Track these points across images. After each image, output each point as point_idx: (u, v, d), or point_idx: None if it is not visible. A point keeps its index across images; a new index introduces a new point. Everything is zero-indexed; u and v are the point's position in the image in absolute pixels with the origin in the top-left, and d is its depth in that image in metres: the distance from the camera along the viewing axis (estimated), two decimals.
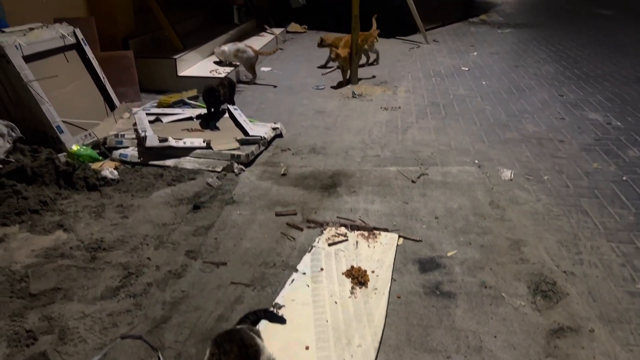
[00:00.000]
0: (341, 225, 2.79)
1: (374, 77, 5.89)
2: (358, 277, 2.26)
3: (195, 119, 4.29)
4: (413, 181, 3.33)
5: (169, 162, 3.53)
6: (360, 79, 5.82)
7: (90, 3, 4.95)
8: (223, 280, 2.35)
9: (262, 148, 3.86)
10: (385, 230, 2.73)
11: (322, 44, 6.51)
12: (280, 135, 4.16)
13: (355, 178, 3.39)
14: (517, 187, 3.29)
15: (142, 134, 3.61)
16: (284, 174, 3.45)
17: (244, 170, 3.51)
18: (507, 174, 3.44)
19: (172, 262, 2.48)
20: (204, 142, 3.66)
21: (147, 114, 4.24)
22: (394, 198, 3.11)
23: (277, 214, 2.91)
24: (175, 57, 5.34)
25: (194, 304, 2.20)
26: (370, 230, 2.71)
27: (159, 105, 4.74)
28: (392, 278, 2.32)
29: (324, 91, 5.53)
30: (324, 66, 6.47)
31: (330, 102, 5.12)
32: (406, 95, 5.30)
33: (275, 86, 5.62)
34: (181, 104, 4.84)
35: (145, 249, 2.56)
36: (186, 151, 3.61)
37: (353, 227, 2.76)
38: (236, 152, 3.61)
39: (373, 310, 1.99)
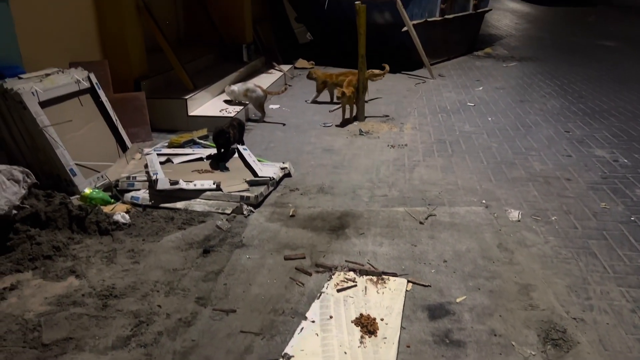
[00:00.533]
0: (350, 269, 2.79)
1: (387, 117, 5.96)
2: (367, 326, 2.25)
3: (205, 160, 4.37)
4: (421, 222, 3.35)
5: (180, 205, 3.58)
6: (366, 116, 5.93)
7: (104, 46, 5.13)
8: (233, 328, 2.35)
9: (271, 189, 3.91)
10: (394, 275, 2.73)
11: (310, 76, 6.63)
12: (288, 175, 4.21)
13: (363, 219, 3.41)
14: (525, 228, 3.30)
15: (153, 177, 3.68)
16: (292, 215, 3.48)
17: (253, 212, 3.55)
18: (514, 214, 3.45)
19: (182, 310, 2.48)
20: (213, 184, 3.72)
21: (158, 154, 4.33)
22: (402, 240, 3.12)
23: (286, 258, 2.93)
24: (186, 97, 5.48)
25: (204, 354, 2.20)
26: (379, 275, 2.72)
27: (170, 145, 4.83)
28: (401, 326, 2.31)
29: (331, 129, 5.62)
30: (314, 101, 6.60)
31: (338, 140, 5.19)
32: (413, 132, 5.36)
33: (284, 124, 5.72)
34: (192, 143, 4.93)
35: (156, 296, 2.58)
36: (196, 193, 3.67)
37: (362, 272, 2.75)
38: (245, 194, 3.66)
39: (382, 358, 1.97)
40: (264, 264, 2.89)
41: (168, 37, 5.83)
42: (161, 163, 4.13)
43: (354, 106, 5.81)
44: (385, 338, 2.22)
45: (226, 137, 4.24)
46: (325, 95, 6.74)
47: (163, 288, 2.65)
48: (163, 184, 3.61)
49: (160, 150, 4.55)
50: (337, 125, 5.67)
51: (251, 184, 3.81)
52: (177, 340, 2.29)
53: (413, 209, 3.55)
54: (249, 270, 2.83)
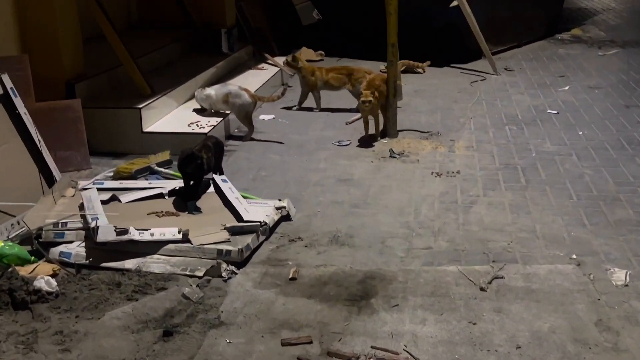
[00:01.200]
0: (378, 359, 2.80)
1: (429, 132, 6.02)
2: None
3: (167, 197, 4.45)
4: (482, 288, 3.37)
5: (130, 264, 3.63)
6: (400, 130, 6.01)
7: (24, 36, 5.29)
8: None
9: (261, 238, 3.96)
10: None
11: (291, 63, 6.72)
12: (287, 218, 4.27)
13: (397, 284, 3.43)
14: (635, 296, 3.30)
15: (92, 224, 3.73)
16: (293, 278, 3.51)
17: (235, 274, 3.58)
18: (620, 275, 3.46)
19: None
20: (179, 232, 3.78)
21: (100, 190, 4.42)
22: (454, 315, 3.13)
23: (284, 344, 2.95)
24: (140, 105, 5.60)
25: None
26: None
27: (117, 176, 4.94)
28: None
29: (349, 148, 5.72)
30: (299, 106, 6.69)
31: (359, 166, 5.27)
32: (468, 154, 5.44)
33: (281, 143, 5.82)
34: (147, 173, 5.04)
35: None
36: (154, 247, 3.71)
37: None
38: (225, 247, 3.70)
39: None
40: (252, 351, 2.91)
41: (115, 20, 6.02)
42: (103, 202, 4.20)
43: (381, 116, 5.90)
44: None
45: (197, 164, 4.31)
46: (345, 99, 6.88)
47: None
48: (106, 233, 3.65)
49: (103, 184, 4.64)
50: (357, 145, 5.76)
51: (233, 232, 3.85)
52: None
53: (470, 267, 3.57)
54: None
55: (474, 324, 3.08)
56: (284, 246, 3.94)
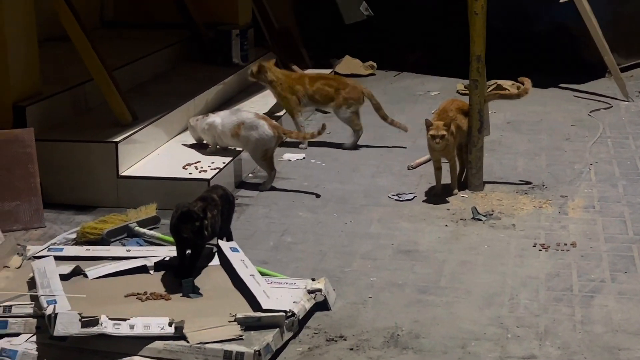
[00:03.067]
0: None
1: (530, 184, 6.04)
2: None
3: (152, 272, 4.48)
4: None
5: None
6: (487, 182, 6.03)
7: None
8: None
9: (287, 336, 3.93)
10: None
11: (256, 75, 6.91)
12: (324, 306, 4.26)
13: None
14: None
15: (48, 309, 3.74)
16: None
17: None
18: None
19: None
20: (170, 324, 3.77)
21: (58, 260, 4.45)
22: None
23: None
24: (116, 138, 5.69)
25: None
26: None
27: (81, 240, 4.99)
28: None
29: (413, 205, 5.74)
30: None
31: (428, 231, 5.28)
32: (587, 218, 5.40)
33: (316, 195, 5.87)
34: (125, 235, 5.10)
35: None
36: (135, 344, 3.69)
37: None
38: (235, 348, 3.67)
39: None
40: None
41: (84, 17, 6.16)
42: (63, 278, 4.23)
43: (458, 161, 5.96)
44: None
45: (196, 227, 4.34)
46: (383, 132, 6.93)
47: None
48: (67, 324, 3.65)
49: (62, 250, 4.70)
50: (425, 200, 5.78)
51: (247, 325, 3.84)
52: None
53: None
54: None
55: None
56: (319, 347, 3.91)
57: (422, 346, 3.93)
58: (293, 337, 3.99)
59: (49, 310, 3.73)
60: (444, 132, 5.62)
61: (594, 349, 3.88)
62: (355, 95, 6.86)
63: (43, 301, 3.87)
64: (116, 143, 5.65)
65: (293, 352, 3.90)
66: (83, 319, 3.69)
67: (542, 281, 4.57)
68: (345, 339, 3.99)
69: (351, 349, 3.91)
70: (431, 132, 5.66)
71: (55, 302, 3.82)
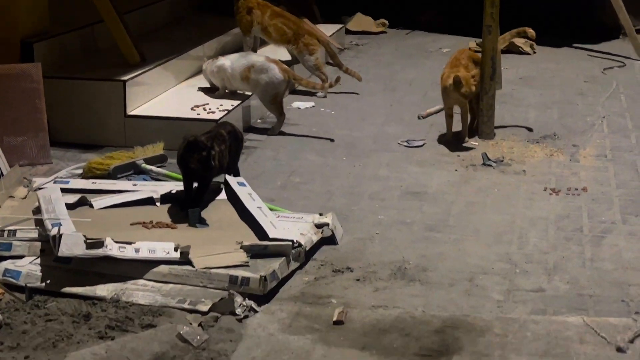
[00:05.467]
0: None
1: (529, 130, 6.08)
2: None
3: (159, 203, 4.50)
4: (620, 349, 3.32)
5: (104, 291, 3.64)
6: (498, 127, 6.04)
7: None
8: None
9: (294, 265, 3.95)
10: None
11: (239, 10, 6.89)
12: (331, 241, 4.28)
13: (491, 336, 3.40)
14: None
15: (53, 231, 3.76)
16: (338, 322, 3.50)
17: (255, 312, 3.57)
18: None
19: None
20: (175, 249, 3.79)
21: (64, 191, 4.48)
22: None
23: None
24: (124, 77, 5.70)
25: None
26: None
27: (87, 175, 5.00)
28: None
29: (422, 151, 5.75)
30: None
31: (437, 175, 5.28)
32: (599, 165, 5.42)
33: (329, 139, 5.91)
34: (131, 172, 5.10)
35: None
36: (140, 268, 3.72)
37: None
38: (241, 273, 3.70)
39: None
40: None
41: None
42: (68, 207, 4.25)
43: (469, 110, 5.95)
44: None
45: (204, 158, 4.34)
46: (417, 86, 6.88)
47: None
48: (72, 245, 3.67)
49: (68, 183, 4.71)
50: (435, 147, 5.80)
51: (254, 253, 3.86)
52: None
53: (601, 320, 3.53)
54: None
55: None
56: (325, 278, 3.93)
57: (429, 279, 3.95)
58: (299, 268, 4.01)
59: (53, 232, 3.75)
60: (474, 86, 5.62)
61: (603, 284, 3.89)
62: (311, 43, 6.88)
63: (48, 224, 3.89)
64: (124, 81, 5.65)
65: (299, 282, 3.91)
66: (88, 241, 3.70)
67: (552, 222, 4.57)
68: (351, 271, 4.01)
69: (357, 280, 3.93)
70: (463, 91, 5.59)
71: (60, 225, 3.83)
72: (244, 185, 4.59)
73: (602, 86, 7.25)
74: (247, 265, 3.79)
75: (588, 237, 4.38)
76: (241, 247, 3.89)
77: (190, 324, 3.44)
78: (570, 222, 4.56)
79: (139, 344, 3.25)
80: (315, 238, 4.19)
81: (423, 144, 5.81)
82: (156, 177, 5.01)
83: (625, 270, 4.01)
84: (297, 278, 3.93)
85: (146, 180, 4.94)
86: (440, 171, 5.33)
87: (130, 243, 3.79)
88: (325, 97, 6.87)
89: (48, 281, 3.70)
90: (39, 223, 4.01)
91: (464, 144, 5.80)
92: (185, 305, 3.58)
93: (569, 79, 7.52)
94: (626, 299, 3.74)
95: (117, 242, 3.77)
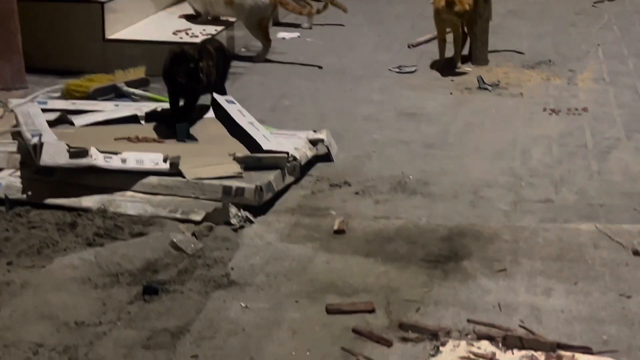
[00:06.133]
0: (480, 336, 2.70)
1: (522, 54, 6.06)
2: None
3: (143, 122, 4.37)
4: (637, 252, 3.29)
5: (89, 202, 3.55)
6: (492, 51, 5.98)
7: None
8: None
9: (289, 180, 3.88)
10: (587, 350, 2.62)
11: None
12: (327, 158, 4.23)
13: (501, 243, 3.37)
14: None
15: (33, 140, 3.64)
16: (339, 231, 3.46)
17: (251, 222, 3.51)
18: None
19: None
20: (164, 160, 3.68)
21: (45, 111, 4.34)
22: (596, 285, 3.06)
23: (331, 311, 2.88)
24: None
25: None
26: (552, 351, 2.61)
27: (65, 97, 4.84)
28: None
29: (415, 77, 5.66)
30: None
31: (432, 98, 5.22)
32: (598, 88, 5.38)
33: (317, 66, 5.80)
34: (112, 94, 4.93)
35: None
36: (127, 179, 3.62)
37: (511, 342, 2.65)
38: (235, 184, 3.61)
39: None
40: (282, 319, 2.84)
41: None
42: (48, 124, 4.11)
43: (461, 35, 5.83)
44: None
45: (191, 70, 4.19)
46: (382, 15, 6.80)
47: (54, 358, 2.57)
48: (54, 154, 3.55)
49: (46, 104, 4.56)
50: (427, 73, 5.72)
51: (247, 165, 3.76)
52: None
53: (614, 227, 3.49)
54: (247, 330, 2.76)
55: (628, 297, 2.98)
56: (322, 192, 3.88)
57: (431, 191, 3.90)
58: (294, 183, 3.94)
59: (34, 141, 3.63)
60: (468, 5, 5.49)
61: (613, 194, 3.86)
62: None
63: (27, 134, 3.77)
64: (102, 3, 5.49)
65: (295, 196, 3.84)
66: (71, 150, 3.59)
67: (554, 139, 4.53)
68: (349, 185, 3.95)
69: (357, 193, 3.87)
70: (457, 9, 5.44)
71: (41, 135, 3.69)
72: (233, 102, 4.48)
73: (594, 18, 7.24)
74: (241, 177, 3.68)
75: (593, 153, 4.35)
76: (234, 159, 3.78)
77: (182, 233, 3.38)
78: (574, 139, 4.53)
79: (130, 250, 3.20)
80: (310, 153, 4.10)
81: (415, 70, 5.74)
82: (137, 98, 4.85)
83: (635, 182, 3.99)
84: (293, 192, 3.87)
85: (126, 101, 4.81)
86: (434, 95, 5.29)
87: (116, 153, 3.69)
88: (310, 28, 6.72)
89: (29, 193, 3.60)
90: (18, 136, 3.86)
91: (457, 70, 5.72)
92: (178, 215, 3.50)
93: (559, 11, 7.49)
94: (638, 208, 3.72)
95: (102, 152, 3.65)
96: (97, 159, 3.58)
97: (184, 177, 3.64)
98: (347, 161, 4.21)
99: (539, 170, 4.10)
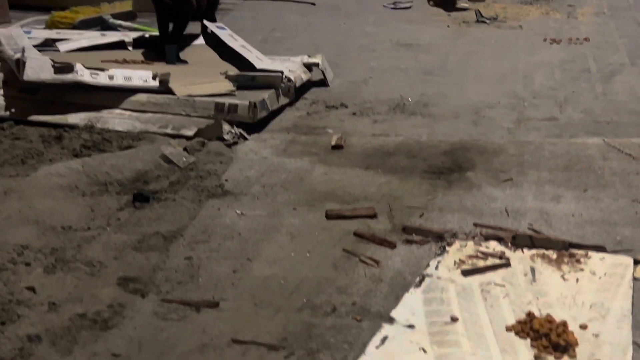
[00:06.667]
0: (487, 237, 2.63)
1: None
2: (550, 336, 2.12)
3: (131, 48, 4.25)
4: None
5: (76, 119, 3.44)
6: None
7: None
8: (212, 335, 2.17)
9: (283, 100, 3.77)
10: (601, 249, 2.56)
11: None
12: (322, 84, 4.16)
13: (506, 156, 3.30)
14: None
15: (16, 56, 3.53)
16: (338, 146, 3.38)
17: (245, 139, 3.43)
18: None
19: (87, 299, 2.31)
20: (154, 77, 3.56)
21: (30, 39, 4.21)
22: (606, 192, 2.98)
23: (330, 216, 2.79)
24: None
25: None
26: (565, 249, 2.55)
27: (50, 27, 4.72)
28: (632, 342, 2.14)
29: (410, 13, 5.61)
30: None
31: (429, 30, 5.14)
32: (598, 21, 5.34)
33: (313, 4, 5.74)
34: (98, 26, 4.80)
35: (24, 273, 2.42)
36: (116, 97, 3.51)
37: (520, 241, 2.58)
38: (228, 101, 3.50)
39: None
40: (279, 225, 2.76)
41: None
42: (36, 47, 3.98)
43: None
44: None
45: None
46: None
47: (40, 259, 2.49)
48: (38, 69, 3.43)
49: (30, 33, 4.43)
50: (423, 9, 5.67)
51: (240, 84, 3.65)
52: (75, 356, 2.08)
53: (624, 140, 3.44)
54: (243, 235, 2.68)
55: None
56: (318, 113, 3.79)
57: (431, 112, 3.82)
58: (289, 105, 3.85)
59: (17, 55, 3.50)
60: None
61: (620, 112, 3.79)
62: None
63: (9, 51, 3.64)
64: None
65: (291, 116, 3.75)
66: (56, 65, 3.45)
67: (556, 65, 4.46)
68: (346, 107, 3.87)
69: (354, 114, 3.79)
70: None
71: (24, 51, 3.55)
72: (224, 29, 4.36)
73: None
74: (234, 95, 3.56)
75: (597, 77, 4.29)
76: (226, 77, 3.65)
77: (173, 146, 3.28)
78: (576, 65, 4.47)
79: (119, 161, 3.10)
80: (304, 76, 4.01)
81: (410, 7, 5.69)
82: (124, 29, 4.75)
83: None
84: (289, 113, 3.79)
85: (114, 31, 4.68)
86: (431, 27, 5.24)
87: (103, 70, 3.55)
88: None
89: (13, 110, 3.47)
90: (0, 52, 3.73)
91: (457, 6, 5.72)
92: (168, 131, 3.40)
93: None
94: None
95: (88, 68, 3.51)
96: (83, 75, 3.45)
97: (174, 94, 3.50)
98: (343, 86, 4.13)
99: (542, 93, 4.04)
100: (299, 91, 3.91)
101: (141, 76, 3.55)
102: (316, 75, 4.13)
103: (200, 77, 3.67)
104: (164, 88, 3.53)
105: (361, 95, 3.99)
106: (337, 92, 4.03)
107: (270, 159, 3.24)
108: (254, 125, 3.51)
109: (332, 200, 2.91)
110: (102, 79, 3.48)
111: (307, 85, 4.03)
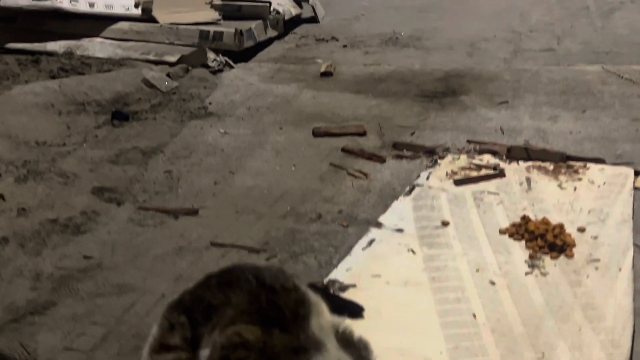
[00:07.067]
0: (482, 151, 2.55)
1: None
2: (545, 236, 2.04)
3: None
4: None
5: (55, 47, 3.34)
6: None
7: None
8: (190, 239, 2.10)
9: (271, 32, 3.67)
10: (599, 160, 2.49)
11: None
12: (312, 20, 4.09)
13: (502, 82, 3.22)
14: None
15: None
16: (327, 73, 3.27)
17: (231, 67, 3.33)
18: None
19: (59, 206, 2.25)
20: (136, 6, 3.45)
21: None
22: (606, 112, 2.92)
23: (317, 133, 2.71)
24: None
25: (114, 282, 1.89)
26: (563, 160, 2.48)
27: None
28: (634, 244, 2.08)
29: None
30: None
31: None
32: None
33: None
34: None
35: None
36: (96, 25, 3.41)
37: (515, 153, 2.51)
38: (213, 29, 3.39)
39: (597, 301, 1.89)
40: (264, 142, 2.68)
41: None
42: None
43: None
44: (598, 261, 2.00)
45: None
46: None
47: (12, 171, 2.42)
48: None
49: None
50: None
51: (226, 13, 3.55)
52: (43, 256, 1.98)
53: (624, 67, 3.36)
54: (226, 151, 2.60)
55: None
56: (308, 46, 3.71)
57: (425, 45, 3.74)
58: (278, 38, 3.77)
59: None
60: None
61: (619, 44, 3.71)
62: None
63: None
64: None
65: (279, 48, 3.68)
66: None
67: (554, 3, 4.43)
68: (337, 40, 3.79)
69: (345, 46, 3.71)
70: None
71: None
72: None
73: None
74: (219, 24, 3.45)
75: (596, 14, 4.23)
76: (212, 6, 3.54)
77: (154, 71, 3.20)
78: (574, 3, 4.43)
79: (98, 82, 3.01)
80: (294, 11, 3.92)
81: None
82: None
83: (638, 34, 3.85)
84: (277, 46, 3.71)
85: None
86: None
87: None
88: None
89: None
90: None
91: None
92: (151, 57, 3.30)
93: None
94: None
95: None
96: (62, 1, 3.34)
97: (157, 22, 3.38)
98: (334, 23, 4.08)
99: (539, 27, 3.98)
100: (288, 26, 3.83)
101: (123, 4, 3.46)
102: (307, 13, 4.05)
103: (185, 6, 3.56)
104: (147, 16, 3.43)
105: (352, 30, 3.93)
106: (328, 27, 3.97)
107: (257, 85, 3.17)
108: (241, 54, 3.43)
109: (320, 120, 2.83)
110: (82, 6, 3.37)
111: (297, 21, 3.97)
